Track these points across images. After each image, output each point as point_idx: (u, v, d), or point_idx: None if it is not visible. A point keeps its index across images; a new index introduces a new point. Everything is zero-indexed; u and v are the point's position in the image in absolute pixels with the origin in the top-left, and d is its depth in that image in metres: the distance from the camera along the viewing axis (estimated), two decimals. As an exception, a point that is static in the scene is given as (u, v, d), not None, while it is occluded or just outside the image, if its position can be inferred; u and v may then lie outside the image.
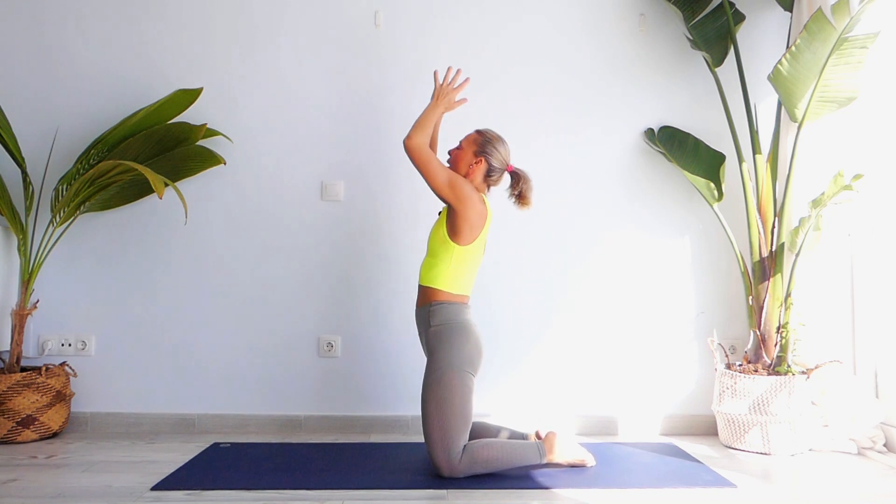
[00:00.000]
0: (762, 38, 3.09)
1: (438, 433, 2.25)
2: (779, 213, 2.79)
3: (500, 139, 2.49)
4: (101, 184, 2.81)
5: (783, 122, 2.85)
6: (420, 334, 2.44)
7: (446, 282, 2.37)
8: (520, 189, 2.48)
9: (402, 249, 3.00)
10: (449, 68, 2.49)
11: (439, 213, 2.53)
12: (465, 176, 2.45)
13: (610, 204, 3.07)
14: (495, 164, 2.45)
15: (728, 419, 2.74)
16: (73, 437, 2.85)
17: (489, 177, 2.47)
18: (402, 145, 2.36)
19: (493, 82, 3.07)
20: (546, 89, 3.08)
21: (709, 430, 2.96)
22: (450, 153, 2.51)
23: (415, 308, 2.49)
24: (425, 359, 2.43)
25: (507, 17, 3.09)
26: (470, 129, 2.96)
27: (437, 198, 2.60)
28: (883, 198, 2.77)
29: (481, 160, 2.44)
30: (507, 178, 2.54)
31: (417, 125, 2.37)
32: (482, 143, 2.45)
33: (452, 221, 2.37)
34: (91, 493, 2.14)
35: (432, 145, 2.62)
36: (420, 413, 2.36)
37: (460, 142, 2.51)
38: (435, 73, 2.51)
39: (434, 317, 2.36)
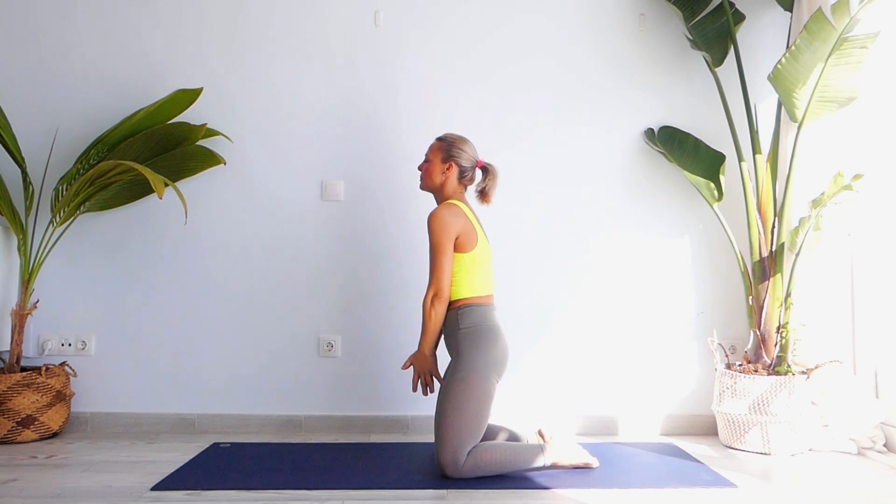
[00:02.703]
0: (762, 38, 3.09)
1: (451, 433, 2.25)
2: (779, 213, 2.79)
3: (463, 139, 2.51)
4: (101, 184, 2.81)
5: (783, 122, 2.85)
6: (447, 336, 2.43)
7: (467, 288, 2.40)
8: (485, 185, 2.51)
9: (401, 249, 3.00)
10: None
11: None
12: (441, 185, 2.46)
13: (610, 204, 3.07)
14: (465, 164, 2.47)
15: (728, 419, 2.74)
16: (73, 437, 2.85)
17: (463, 178, 2.49)
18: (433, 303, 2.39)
19: (493, 82, 3.07)
20: (546, 89, 3.08)
21: (709, 430, 2.96)
22: (420, 168, 2.52)
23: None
24: (448, 357, 2.44)
25: (507, 17, 3.08)
26: (467, 130, 2.97)
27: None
28: (883, 198, 2.77)
29: (451, 165, 2.46)
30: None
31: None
32: (447, 149, 2.47)
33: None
34: (91, 493, 2.14)
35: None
36: (434, 411, 2.36)
37: (426, 154, 2.52)
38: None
39: (464, 319, 2.37)
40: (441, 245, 2.35)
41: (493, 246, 2.87)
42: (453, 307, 2.41)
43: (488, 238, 2.56)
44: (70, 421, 2.93)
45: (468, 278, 2.39)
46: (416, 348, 2.49)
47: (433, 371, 2.42)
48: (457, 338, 2.37)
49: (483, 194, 2.52)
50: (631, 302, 3.04)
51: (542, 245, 3.04)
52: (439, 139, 2.51)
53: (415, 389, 2.45)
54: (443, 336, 2.47)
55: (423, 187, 2.53)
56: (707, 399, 2.99)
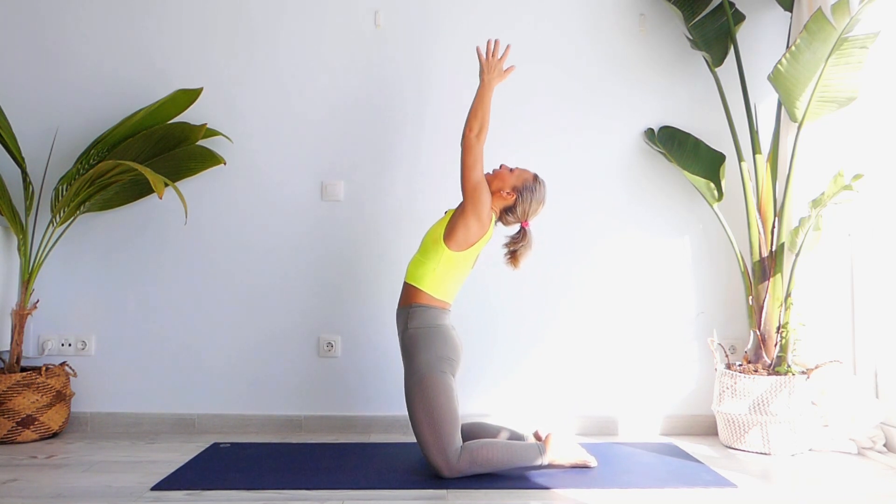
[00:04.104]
0: (762, 38, 3.09)
1: (431, 436, 2.25)
2: (779, 213, 2.79)
3: (541, 196, 2.47)
4: (101, 184, 2.81)
5: (783, 121, 2.85)
6: (398, 334, 2.43)
7: (430, 284, 2.37)
8: (517, 247, 2.46)
9: (401, 249, 2.99)
10: (489, 41, 2.47)
11: (445, 212, 2.53)
12: (491, 193, 2.43)
13: (610, 204, 3.07)
14: (517, 208, 2.45)
15: (728, 419, 2.74)
16: (73, 437, 2.85)
17: (505, 214, 2.47)
18: (462, 137, 2.37)
19: (493, 82, 3.07)
20: (546, 90, 3.08)
21: (709, 430, 2.96)
22: (501, 167, 2.49)
23: (396, 306, 2.49)
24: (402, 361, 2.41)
25: (506, 18, 3.09)
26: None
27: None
28: (883, 198, 2.77)
29: (513, 196, 2.44)
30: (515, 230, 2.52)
31: (473, 113, 2.36)
32: (526, 187, 2.44)
33: (453, 223, 2.37)
34: (91, 493, 2.14)
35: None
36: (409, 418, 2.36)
37: (516, 168, 2.49)
38: (478, 48, 2.48)
39: (412, 319, 2.36)
40: (477, 185, 2.34)
41: (493, 245, 2.86)
42: (407, 304, 2.39)
43: (476, 262, 2.53)
44: (70, 421, 2.93)
45: (438, 274, 2.37)
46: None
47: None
48: (405, 339, 2.37)
49: (513, 256, 2.47)
50: (631, 302, 3.04)
51: (542, 244, 3.03)
52: (535, 176, 2.48)
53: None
54: (397, 332, 2.45)
55: (486, 176, 2.47)
56: (707, 399, 2.99)
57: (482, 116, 2.36)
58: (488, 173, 2.48)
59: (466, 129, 2.36)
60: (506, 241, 2.49)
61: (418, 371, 2.30)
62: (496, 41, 2.45)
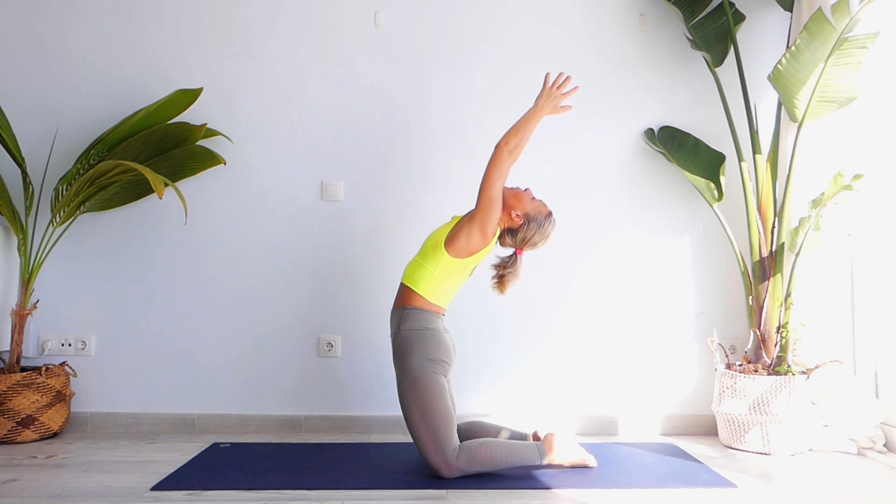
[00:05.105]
0: (762, 38, 3.09)
1: (428, 436, 2.25)
2: (779, 213, 2.79)
3: (546, 232, 2.45)
4: (101, 184, 2.81)
5: (783, 122, 2.85)
6: (391, 335, 2.43)
7: (427, 287, 2.37)
8: (505, 272, 2.44)
9: (402, 249, 2.99)
10: (560, 73, 2.46)
11: (452, 216, 2.52)
12: (503, 208, 2.41)
13: (609, 204, 3.07)
14: (518, 234, 2.43)
15: (728, 419, 2.74)
16: (73, 437, 2.85)
17: (506, 234, 2.45)
18: (496, 147, 2.35)
19: (493, 83, 3.07)
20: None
21: (709, 430, 2.96)
22: (526, 190, 2.48)
23: (392, 306, 2.49)
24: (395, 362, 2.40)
25: (506, 18, 3.09)
26: (467, 128, 2.97)
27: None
28: (883, 198, 2.77)
29: (521, 220, 2.42)
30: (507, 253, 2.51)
31: (515, 129, 2.36)
32: (536, 219, 2.42)
33: (457, 229, 2.37)
34: (91, 493, 2.14)
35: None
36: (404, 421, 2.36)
37: (537, 199, 2.47)
38: (547, 74, 2.46)
39: (405, 321, 2.36)
40: (493, 199, 2.33)
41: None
42: (402, 305, 2.39)
43: (473, 272, 2.53)
44: (70, 421, 2.93)
45: (435, 277, 2.36)
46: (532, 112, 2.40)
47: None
48: (396, 341, 2.37)
49: (500, 281, 2.45)
50: (631, 302, 3.04)
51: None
52: (550, 213, 2.45)
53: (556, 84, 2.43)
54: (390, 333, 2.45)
55: (505, 190, 2.44)
56: (707, 399, 2.99)
57: (522, 136, 2.36)
58: (509, 188, 2.46)
59: (502, 141, 2.35)
60: (496, 262, 2.47)
61: (411, 373, 2.30)
62: (567, 77, 2.44)
